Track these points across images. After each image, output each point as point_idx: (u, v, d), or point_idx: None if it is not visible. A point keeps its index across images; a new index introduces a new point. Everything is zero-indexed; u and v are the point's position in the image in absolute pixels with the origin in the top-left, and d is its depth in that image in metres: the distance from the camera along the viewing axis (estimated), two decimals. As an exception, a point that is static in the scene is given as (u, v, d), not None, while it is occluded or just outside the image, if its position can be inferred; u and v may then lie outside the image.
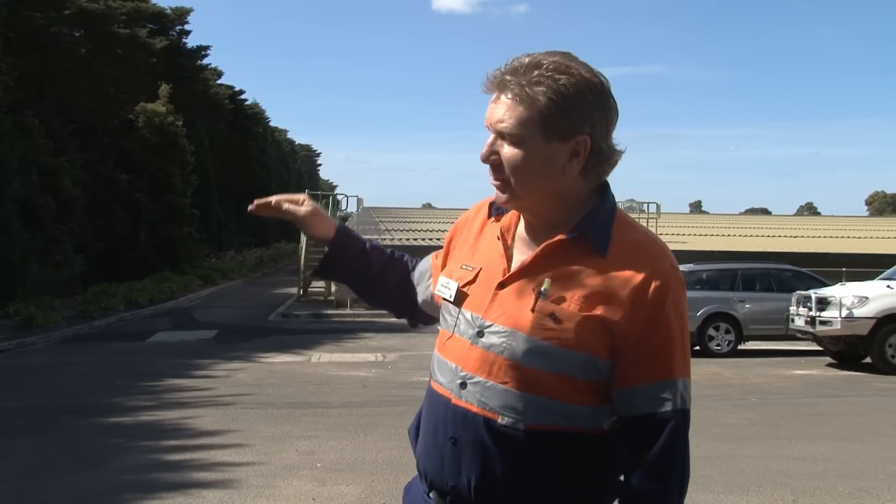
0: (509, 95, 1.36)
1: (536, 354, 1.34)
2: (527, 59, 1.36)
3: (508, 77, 1.36)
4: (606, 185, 1.44)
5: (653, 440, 1.35)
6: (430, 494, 1.46)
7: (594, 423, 1.38)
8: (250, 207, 1.67)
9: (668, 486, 1.36)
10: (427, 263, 1.69)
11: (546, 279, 1.36)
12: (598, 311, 1.33)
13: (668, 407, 1.35)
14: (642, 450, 1.35)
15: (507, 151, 1.37)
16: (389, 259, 1.71)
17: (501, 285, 1.40)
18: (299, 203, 1.66)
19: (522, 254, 1.43)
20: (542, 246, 1.39)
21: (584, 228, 1.38)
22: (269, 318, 16.97)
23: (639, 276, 1.34)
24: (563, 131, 1.34)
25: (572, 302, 1.34)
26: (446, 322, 1.48)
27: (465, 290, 1.45)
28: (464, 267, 1.48)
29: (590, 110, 1.35)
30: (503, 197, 1.41)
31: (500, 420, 1.35)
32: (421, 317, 1.71)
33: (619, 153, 1.41)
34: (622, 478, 1.41)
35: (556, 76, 1.33)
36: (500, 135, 1.37)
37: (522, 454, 1.36)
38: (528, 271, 1.39)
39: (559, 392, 1.35)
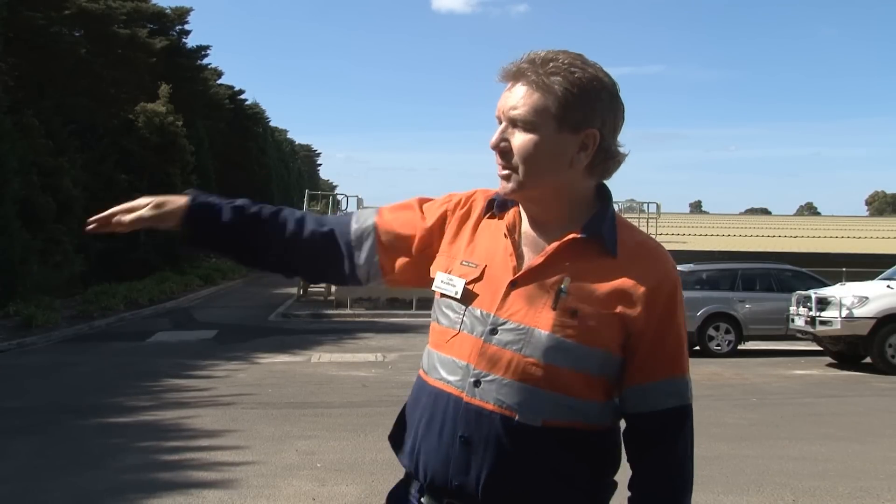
0: (525, 83, 1.38)
1: (556, 351, 1.35)
2: (543, 53, 1.39)
3: (525, 66, 1.38)
4: (607, 189, 1.47)
5: (668, 435, 1.40)
6: (423, 500, 1.44)
7: (603, 418, 1.41)
8: (89, 228, 1.52)
9: (687, 478, 1.41)
10: (368, 223, 1.55)
11: (566, 277, 1.38)
12: (618, 308, 1.37)
13: (681, 402, 1.40)
14: (658, 444, 1.40)
15: (519, 138, 1.38)
16: (281, 221, 1.55)
17: (514, 283, 1.40)
18: (139, 208, 1.52)
19: (531, 251, 1.43)
20: (556, 244, 1.40)
21: (597, 228, 1.40)
22: (269, 318, 16.97)
23: (650, 277, 1.38)
24: (575, 123, 1.37)
25: (592, 299, 1.37)
26: (448, 319, 1.45)
27: (471, 287, 1.43)
28: (465, 263, 1.46)
29: (601, 106, 1.38)
30: (509, 186, 1.40)
31: (517, 417, 1.36)
32: (350, 279, 1.57)
33: (624, 155, 1.43)
34: (634, 473, 1.43)
35: (572, 69, 1.37)
36: (513, 122, 1.38)
37: (537, 451, 1.36)
38: (542, 269, 1.40)
39: (576, 388, 1.37)
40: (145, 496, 4.87)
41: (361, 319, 16.29)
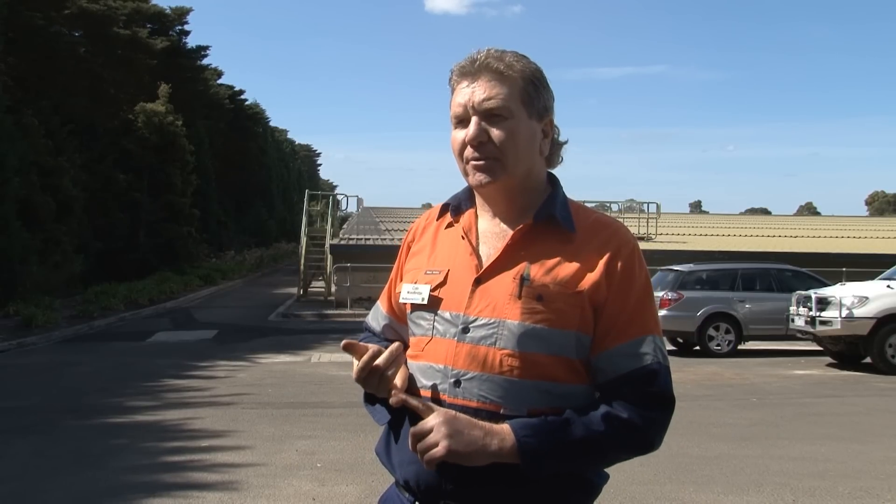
0: (489, 77, 1.41)
1: (530, 338, 1.36)
2: (492, 51, 1.45)
3: (485, 61, 1.42)
4: (555, 176, 1.52)
5: (636, 395, 1.36)
6: None
7: (587, 401, 1.41)
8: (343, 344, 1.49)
9: (635, 443, 1.38)
10: (381, 313, 1.67)
11: (526, 264, 1.40)
12: (581, 286, 1.38)
13: (648, 360, 1.38)
14: (628, 407, 1.35)
15: (499, 126, 1.41)
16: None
17: (478, 280, 1.42)
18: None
19: (491, 248, 1.45)
20: (512, 234, 1.43)
21: (549, 211, 1.44)
22: (269, 318, 16.97)
23: (608, 248, 1.41)
24: (539, 110, 1.44)
25: (555, 282, 1.38)
26: (421, 327, 1.46)
27: (436, 292, 1.45)
28: (429, 272, 1.48)
29: (549, 96, 1.46)
30: (486, 178, 1.42)
31: (502, 411, 1.36)
32: None
33: (564, 143, 1.51)
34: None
35: (523, 61, 1.43)
36: (487, 113, 1.41)
37: None
38: (502, 261, 1.42)
39: (557, 373, 1.37)
40: (145, 496, 4.87)
41: (361, 319, 16.18)
